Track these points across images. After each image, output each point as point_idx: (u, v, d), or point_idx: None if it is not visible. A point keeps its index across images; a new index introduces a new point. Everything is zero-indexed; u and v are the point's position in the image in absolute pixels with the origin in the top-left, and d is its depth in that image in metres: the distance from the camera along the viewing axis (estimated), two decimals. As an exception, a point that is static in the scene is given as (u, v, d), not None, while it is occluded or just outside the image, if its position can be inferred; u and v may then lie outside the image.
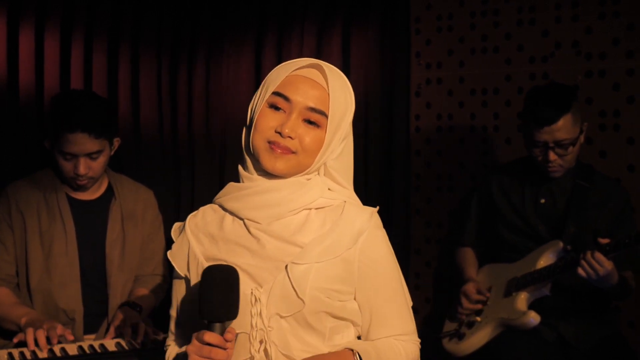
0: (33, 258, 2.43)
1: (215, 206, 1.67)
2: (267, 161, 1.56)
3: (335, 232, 1.57)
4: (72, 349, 2.17)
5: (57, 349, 2.15)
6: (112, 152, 2.52)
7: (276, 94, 1.57)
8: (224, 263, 1.52)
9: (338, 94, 1.58)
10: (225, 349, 1.44)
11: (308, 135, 1.56)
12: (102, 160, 2.43)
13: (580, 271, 2.39)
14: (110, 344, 2.23)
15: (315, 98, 1.56)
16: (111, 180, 2.59)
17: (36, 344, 2.14)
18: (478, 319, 2.67)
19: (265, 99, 1.58)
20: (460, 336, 2.71)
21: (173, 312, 1.71)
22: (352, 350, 1.56)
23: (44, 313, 2.42)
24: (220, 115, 3.41)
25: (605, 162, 2.92)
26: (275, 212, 1.58)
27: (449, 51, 3.30)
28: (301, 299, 1.52)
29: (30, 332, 2.15)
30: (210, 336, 1.43)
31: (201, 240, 1.64)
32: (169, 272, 2.73)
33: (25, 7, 3.11)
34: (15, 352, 2.12)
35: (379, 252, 1.61)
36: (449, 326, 2.80)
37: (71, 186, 2.49)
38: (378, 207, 1.65)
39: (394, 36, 3.37)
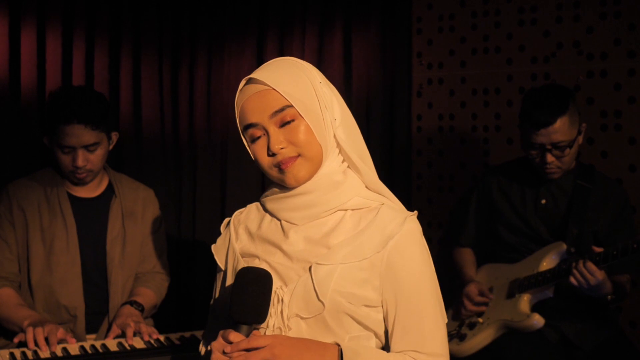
0: (34, 255, 2.44)
1: (259, 205, 1.70)
2: (288, 180, 1.56)
3: (365, 235, 1.54)
4: (74, 349, 2.17)
5: (58, 348, 2.15)
6: (111, 147, 2.53)
7: (245, 128, 1.57)
8: (259, 265, 1.54)
9: (280, 79, 1.54)
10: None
11: (294, 132, 1.53)
12: (100, 153, 2.44)
13: (572, 280, 2.40)
14: (112, 344, 2.22)
15: (270, 103, 1.53)
16: (111, 179, 2.60)
17: (35, 344, 2.15)
18: (480, 320, 2.66)
19: (245, 138, 1.60)
20: (461, 337, 2.70)
21: (212, 307, 1.74)
22: (338, 345, 1.50)
23: (46, 310, 2.43)
24: (221, 115, 3.42)
25: (607, 162, 2.92)
26: (311, 213, 1.57)
27: (451, 51, 3.31)
28: (321, 302, 1.50)
29: (30, 330, 2.17)
30: (235, 337, 1.44)
31: (241, 236, 1.66)
32: (170, 270, 2.73)
33: (26, 7, 3.11)
34: (17, 352, 2.12)
35: (408, 258, 1.54)
36: (449, 327, 2.78)
37: (71, 181, 2.49)
38: (416, 212, 1.61)
39: (395, 36, 3.37)
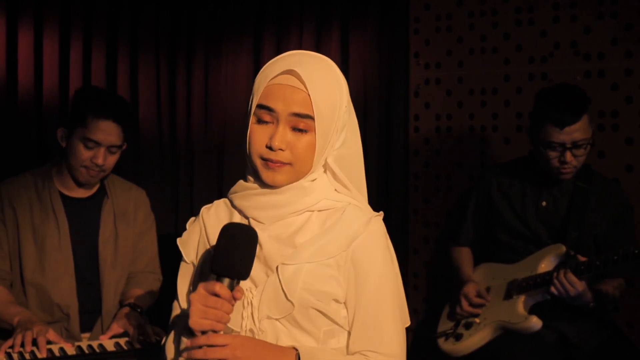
0: (26, 253, 2.44)
1: (228, 201, 1.69)
2: (266, 176, 1.55)
3: (331, 234, 1.55)
4: (70, 349, 2.17)
5: (55, 348, 2.15)
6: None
7: (260, 106, 1.54)
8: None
9: (319, 91, 1.52)
10: (231, 304, 1.43)
11: (299, 142, 1.53)
12: (116, 157, 2.47)
13: (553, 289, 2.42)
14: (109, 344, 2.22)
15: (297, 103, 1.51)
16: (104, 180, 2.60)
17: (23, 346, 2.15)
18: (477, 320, 2.65)
19: (253, 111, 1.56)
20: (457, 337, 2.69)
21: (176, 303, 1.72)
22: (296, 349, 1.51)
23: (39, 308, 2.43)
24: (218, 115, 3.41)
25: (604, 162, 2.92)
26: (278, 213, 1.57)
27: (448, 51, 3.31)
28: (290, 301, 1.51)
29: (19, 337, 2.17)
30: (221, 287, 1.42)
31: (211, 231, 1.65)
32: (162, 269, 2.72)
33: (23, 7, 3.11)
34: (14, 354, 2.11)
35: (370, 258, 1.56)
36: (444, 326, 2.78)
37: (75, 179, 2.48)
38: (382, 213, 1.63)
39: (392, 36, 3.38)
